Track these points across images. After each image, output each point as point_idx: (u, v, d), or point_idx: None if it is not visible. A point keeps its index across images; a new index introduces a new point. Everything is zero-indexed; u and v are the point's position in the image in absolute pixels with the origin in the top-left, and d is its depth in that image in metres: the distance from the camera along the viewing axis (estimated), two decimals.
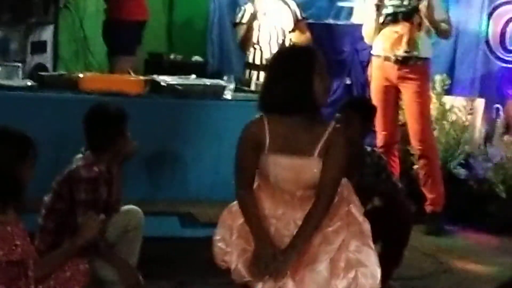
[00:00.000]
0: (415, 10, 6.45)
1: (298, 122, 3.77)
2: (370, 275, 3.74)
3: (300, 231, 3.74)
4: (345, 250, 3.74)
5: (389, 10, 6.50)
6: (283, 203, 3.83)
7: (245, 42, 6.53)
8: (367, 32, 6.68)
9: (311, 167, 3.76)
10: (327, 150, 3.75)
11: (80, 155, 4.51)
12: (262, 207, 3.84)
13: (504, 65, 7.61)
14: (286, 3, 6.86)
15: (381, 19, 6.52)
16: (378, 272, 3.78)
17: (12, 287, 3.64)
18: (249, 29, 6.45)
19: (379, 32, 6.54)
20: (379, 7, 6.48)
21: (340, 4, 7.90)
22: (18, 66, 6.23)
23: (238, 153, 3.88)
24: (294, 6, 6.97)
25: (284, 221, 3.83)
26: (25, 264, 3.65)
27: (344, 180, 3.92)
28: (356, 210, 3.88)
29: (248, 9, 6.54)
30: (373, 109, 5.44)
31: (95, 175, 4.43)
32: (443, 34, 6.70)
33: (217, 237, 3.95)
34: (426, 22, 6.42)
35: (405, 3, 6.47)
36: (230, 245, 3.90)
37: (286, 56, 3.97)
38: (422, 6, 6.35)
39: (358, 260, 3.73)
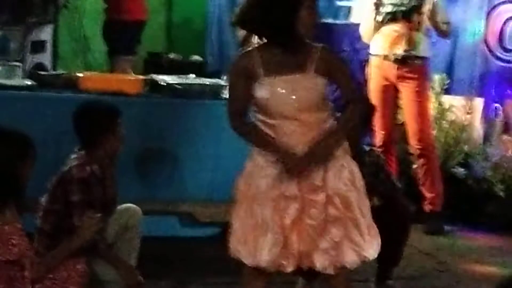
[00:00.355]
0: (415, 9, 6.45)
1: (288, 47, 3.84)
2: None
3: (333, 131, 3.83)
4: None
5: (389, 8, 6.49)
6: (285, 136, 3.81)
7: (246, 41, 6.51)
8: (365, 31, 6.68)
9: (307, 82, 3.81)
10: (330, 70, 3.87)
11: (74, 155, 4.49)
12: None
13: (503, 64, 7.61)
14: None
15: (380, 18, 6.52)
16: None
17: (9, 287, 3.63)
18: None
19: (378, 30, 6.54)
20: (377, 5, 6.48)
21: (339, 3, 7.91)
22: (18, 66, 6.23)
23: (230, 84, 3.96)
24: None
25: None
26: (22, 264, 3.65)
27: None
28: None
29: None
30: (372, 108, 5.44)
31: (87, 175, 4.40)
32: (443, 34, 6.72)
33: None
34: (426, 22, 6.43)
35: (405, 2, 6.47)
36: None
37: None
38: (426, 10, 6.36)
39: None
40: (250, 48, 3.90)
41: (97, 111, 4.59)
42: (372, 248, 3.86)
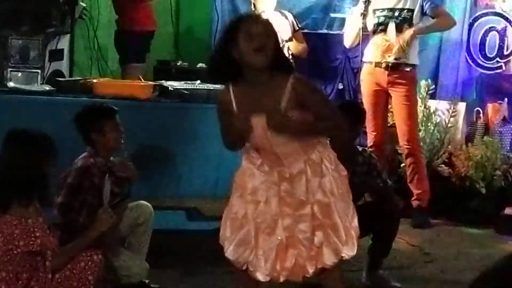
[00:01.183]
0: (405, 21, 6.46)
1: (260, 83, 3.74)
2: None
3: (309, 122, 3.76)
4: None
5: (381, 19, 6.50)
6: (269, 161, 3.83)
7: None
8: (348, 36, 6.69)
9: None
10: (303, 101, 3.72)
11: (84, 153, 4.56)
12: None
13: (484, 71, 7.63)
14: (284, 15, 6.89)
15: (371, 27, 6.54)
16: None
17: (32, 276, 3.65)
18: None
19: (362, 38, 6.55)
20: (364, 15, 6.49)
21: (333, 15, 7.91)
22: (37, 73, 6.23)
23: (218, 119, 3.97)
24: (291, 17, 7.02)
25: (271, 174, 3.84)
26: (43, 254, 3.66)
27: (324, 140, 3.92)
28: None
29: None
30: (363, 112, 5.47)
31: (89, 164, 4.45)
32: (443, 29, 6.82)
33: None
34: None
35: (396, 14, 6.48)
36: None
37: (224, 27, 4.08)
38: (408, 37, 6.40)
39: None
40: (225, 86, 3.86)
41: (90, 113, 4.65)
42: (348, 248, 3.81)
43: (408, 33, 6.40)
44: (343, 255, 3.81)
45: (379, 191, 5.02)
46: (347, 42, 6.71)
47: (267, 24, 3.79)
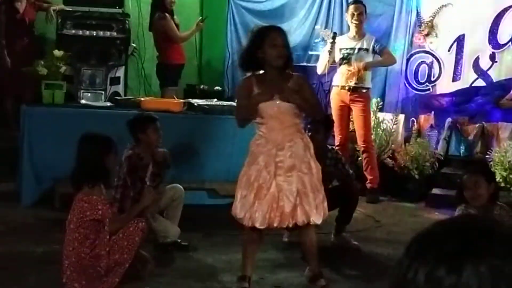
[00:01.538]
0: (362, 56, 6.46)
1: (272, 76, 3.84)
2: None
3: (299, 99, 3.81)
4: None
5: (344, 55, 6.50)
6: (271, 131, 3.82)
7: None
8: (320, 66, 6.66)
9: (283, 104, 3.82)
10: (300, 89, 3.85)
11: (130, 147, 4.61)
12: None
13: (417, 92, 7.63)
14: None
15: (338, 60, 6.53)
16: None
17: (96, 237, 3.66)
18: None
19: (329, 67, 6.54)
20: (330, 52, 6.49)
21: (311, 52, 7.91)
22: (101, 93, 6.26)
23: (236, 98, 3.97)
24: None
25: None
26: (103, 222, 3.67)
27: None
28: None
29: None
30: (332, 121, 5.48)
31: (131, 155, 4.49)
32: (389, 65, 6.81)
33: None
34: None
35: (355, 51, 6.48)
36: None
37: (253, 32, 4.02)
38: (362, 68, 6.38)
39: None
40: (249, 75, 3.94)
41: (137, 119, 4.69)
42: (316, 217, 3.83)
43: (362, 63, 6.40)
44: (311, 220, 3.82)
45: (343, 178, 5.02)
46: (319, 70, 6.70)
47: (286, 37, 3.91)
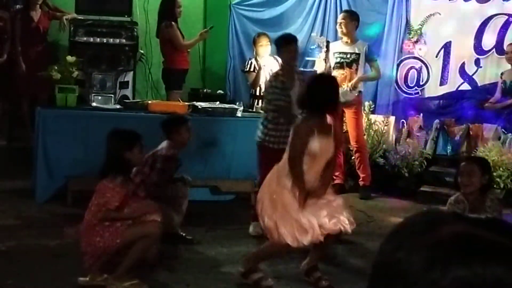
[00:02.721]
0: (354, 61, 6.46)
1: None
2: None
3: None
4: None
5: (338, 60, 6.50)
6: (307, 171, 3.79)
7: (256, 83, 6.45)
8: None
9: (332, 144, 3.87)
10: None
11: (165, 142, 4.60)
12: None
13: (407, 96, 7.62)
14: (276, 59, 6.85)
15: (332, 65, 6.52)
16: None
17: (113, 222, 3.67)
18: (258, 75, 6.38)
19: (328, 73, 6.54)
20: (325, 60, 6.48)
21: (307, 58, 7.89)
22: (111, 96, 6.24)
23: (300, 141, 3.74)
24: (280, 61, 6.97)
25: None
26: (121, 208, 3.69)
27: None
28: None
29: (253, 62, 6.53)
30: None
31: (171, 154, 4.55)
32: (374, 80, 6.81)
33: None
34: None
35: (348, 56, 6.48)
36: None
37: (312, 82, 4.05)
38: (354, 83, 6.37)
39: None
40: (306, 117, 3.86)
41: (169, 120, 4.75)
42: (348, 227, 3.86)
43: (353, 80, 6.39)
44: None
45: None
46: None
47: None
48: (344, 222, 3.80)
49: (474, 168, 3.76)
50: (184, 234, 4.69)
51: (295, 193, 3.74)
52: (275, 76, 4.99)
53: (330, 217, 3.76)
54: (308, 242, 3.72)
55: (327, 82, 4.04)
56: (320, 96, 3.83)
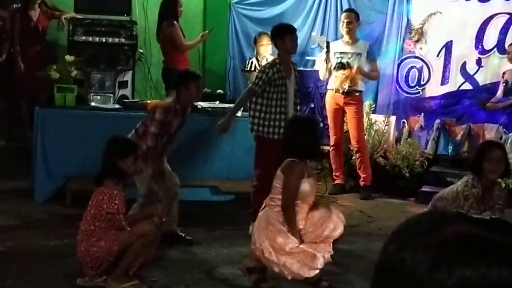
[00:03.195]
0: (354, 60, 6.45)
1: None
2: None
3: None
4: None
5: (339, 59, 6.50)
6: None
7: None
8: (321, 74, 6.68)
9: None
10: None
11: (171, 96, 4.71)
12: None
13: (407, 95, 7.61)
14: None
15: (333, 66, 6.52)
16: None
17: (107, 230, 3.65)
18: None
19: (329, 73, 6.54)
20: (326, 60, 6.48)
21: (307, 58, 7.89)
22: (110, 96, 6.24)
23: (294, 186, 3.70)
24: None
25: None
26: (118, 215, 3.68)
27: None
28: None
29: (253, 61, 6.53)
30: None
31: (171, 106, 4.50)
32: (372, 80, 6.77)
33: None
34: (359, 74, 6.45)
35: (349, 56, 6.48)
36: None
37: (293, 126, 4.01)
38: (355, 69, 6.37)
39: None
40: (298, 161, 3.77)
41: (182, 73, 4.82)
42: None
43: (355, 67, 6.38)
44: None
45: None
46: (321, 78, 6.70)
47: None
48: (337, 223, 3.80)
49: (504, 155, 3.76)
50: (183, 235, 4.68)
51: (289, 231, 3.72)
52: (273, 65, 4.94)
53: (325, 226, 3.76)
54: (322, 264, 3.67)
55: (306, 126, 3.91)
56: (302, 143, 3.77)
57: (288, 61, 4.96)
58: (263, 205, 3.84)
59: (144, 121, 4.41)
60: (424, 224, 0.78)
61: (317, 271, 3.64)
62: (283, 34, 4.96)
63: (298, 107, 5.26)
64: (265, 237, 3.68)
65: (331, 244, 3.72)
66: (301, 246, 3.67)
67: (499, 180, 5.98)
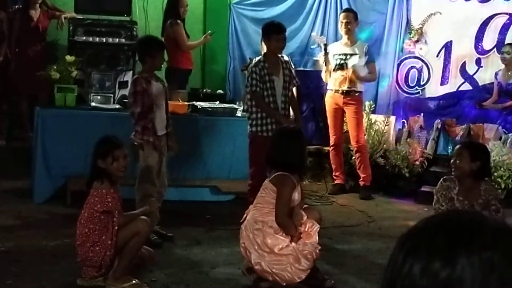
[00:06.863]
0: (353, 62, 6.45)
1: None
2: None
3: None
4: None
5: (338, 61, 6.50)
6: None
7: None
8: (323, 76, 6.68)
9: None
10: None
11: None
12: None
13: (407, 95, 7.62)
14: (282, 57, 6.85)
15: (333, 67, 6.52)
16: None
17: (102, 233, 3.65)
18: None
19: (330, 75, 6.55)
20: (325, 62, 6.48)
21: (307, 57, 7.89)
22: (110, 96, 6.23)
23: (288, 199, 3.72)
24: (287, 58, 6.94)
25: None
26: (112, 213, 3.66)
27: None
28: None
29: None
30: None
31: (137, 77, 4.65)
32: (368, 82, 6.76)
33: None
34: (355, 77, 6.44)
35: (348, 57, 6.48)
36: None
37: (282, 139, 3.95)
38: (351, 73, 6.36)
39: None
40: (289, 175, 3.76)
41: (148, 42, 4.77)
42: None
43: (350, 68, 6.38)
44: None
45: None
46: (324, 80, 6.71)
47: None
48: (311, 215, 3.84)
49: (463, 152, 3.81)
50: (164, 232, 4.65)
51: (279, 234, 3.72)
52: (256, 64, 4.98)
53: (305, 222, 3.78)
54: (312, 263, 3.68)
55: (294, 139, 3.87)
56: (291, 157, 3.76)
57: (276, 59, 4.97)
58: (244, 216, 3.84)
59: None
60: (430, 231, 0.80)
61: (307, 272, 3.65)
62: (268, 34, 5.02)
63: (299, 108, 5.26)
64: (253, 249, 3.68)
65: (317, 236, 3.73)
66: (292, 245, 3.67)
67: (499, 180, 6.07)
